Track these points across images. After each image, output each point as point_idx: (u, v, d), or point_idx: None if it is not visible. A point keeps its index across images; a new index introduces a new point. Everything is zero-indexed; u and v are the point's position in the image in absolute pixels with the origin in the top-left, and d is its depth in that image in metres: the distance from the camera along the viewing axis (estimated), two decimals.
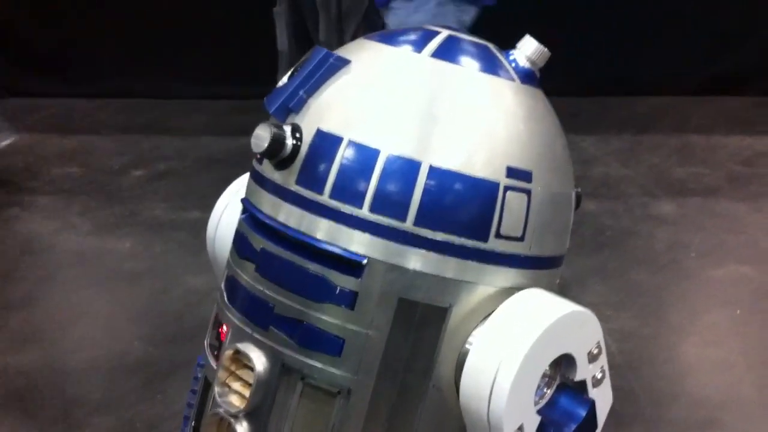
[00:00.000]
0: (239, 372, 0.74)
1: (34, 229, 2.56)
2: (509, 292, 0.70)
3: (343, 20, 2.56)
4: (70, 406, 1.73)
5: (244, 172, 0.82)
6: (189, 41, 3.75)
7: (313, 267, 0.69)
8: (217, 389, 0.74)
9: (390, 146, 0.68)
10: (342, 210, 0.68)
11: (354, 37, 2.62)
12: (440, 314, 0.69)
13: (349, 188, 0.68)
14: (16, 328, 2.00)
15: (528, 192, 0.69)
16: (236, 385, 0.74)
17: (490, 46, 0.76)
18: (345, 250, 0.68)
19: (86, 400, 1.74)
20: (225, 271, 0.80)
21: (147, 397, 1.75)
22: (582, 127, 3.16)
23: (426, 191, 0.67)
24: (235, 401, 0.73)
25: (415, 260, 0.68)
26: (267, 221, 0.73)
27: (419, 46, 0.73)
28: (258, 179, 0.76)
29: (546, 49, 0.75)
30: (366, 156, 0.68)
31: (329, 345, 0.69)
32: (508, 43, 0.78)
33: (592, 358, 0.72)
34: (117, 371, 1.84)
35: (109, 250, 2.44)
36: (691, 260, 2.30)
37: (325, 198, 0.69)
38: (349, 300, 0.69)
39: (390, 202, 0.68)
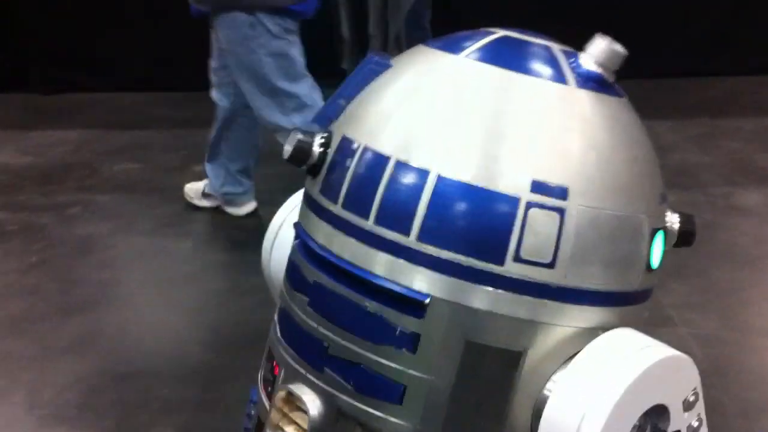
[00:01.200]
0: (292, 414, 0.69)
1: (94, 229, 2.55)
2: (592, 332, 0.62)
3: (389, 13, 2.52)
4: (130, 414, 1.70)
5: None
6: None
7: (371, 305, 0.63)
8: None
9: (403, 157, 0.61)
10: (402, 243, 0.61)
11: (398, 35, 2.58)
12: (514, 359, 0.61)
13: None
14: (77, 333, 1.99)
15: (560, 210, 0.60)
16: (289, 429, 0.68)
17: (553, 46, 0.67)
18: (406, 287, 0.61)
19: (146, 408, 1.71)
20: (279, 302, 0.74)
21: (206, 405, 1.71)
22: (656, 112, 3.01)
23: (432, 206, 0.59)
24: None
25: (482, 299, 0.60)
26: (320, 252, 0.66)
27: (459, 49, 0.66)
28: (311, 204, 0.69)
29: (619, 48, 0.65)
30: (379, 166, 0.62)
31: (389, 391, 0.63)
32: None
33: (688, 406, 0.63)
34: (176, 378, 1.81)
35: (169, 250, 2.42)
36: None
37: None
38: (411, 342, 0.62)
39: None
